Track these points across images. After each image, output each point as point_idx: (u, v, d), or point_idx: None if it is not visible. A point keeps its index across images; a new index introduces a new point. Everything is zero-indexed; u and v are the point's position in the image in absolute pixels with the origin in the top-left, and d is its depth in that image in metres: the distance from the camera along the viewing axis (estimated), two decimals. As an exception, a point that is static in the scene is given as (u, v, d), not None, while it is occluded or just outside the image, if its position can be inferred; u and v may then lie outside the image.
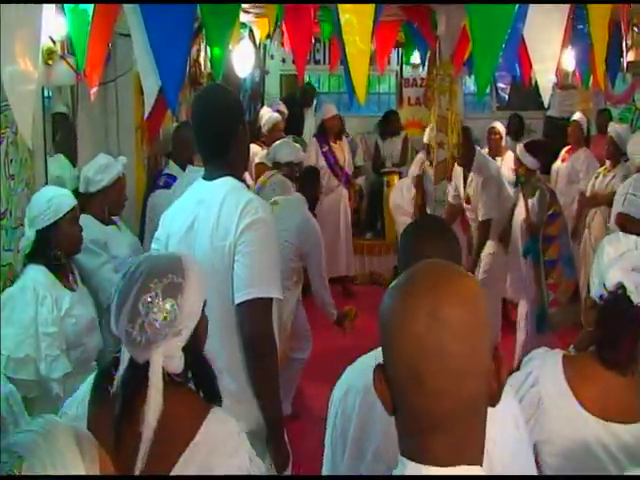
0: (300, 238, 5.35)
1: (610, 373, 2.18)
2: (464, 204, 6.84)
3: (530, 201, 6.20)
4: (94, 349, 3.69)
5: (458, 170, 6.78)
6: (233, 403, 2.87)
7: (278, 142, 6.50)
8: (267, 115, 8.13)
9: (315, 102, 10.41)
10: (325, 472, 2.25)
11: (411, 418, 1.28)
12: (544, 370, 2.30)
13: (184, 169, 5.22)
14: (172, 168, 5.36)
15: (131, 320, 1.95)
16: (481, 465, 1.30)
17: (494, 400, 1.30)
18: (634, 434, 2.17)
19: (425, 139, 7.76)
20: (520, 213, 6.33)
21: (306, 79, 10.12)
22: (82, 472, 1.34)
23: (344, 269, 8.72)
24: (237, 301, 2.82)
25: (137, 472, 1.88)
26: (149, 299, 1.94)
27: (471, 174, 6.68)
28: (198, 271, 2.08)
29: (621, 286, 2.15)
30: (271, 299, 2.87)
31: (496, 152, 8.11)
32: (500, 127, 8.33)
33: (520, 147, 6.43)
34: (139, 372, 1.95)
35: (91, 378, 2.13)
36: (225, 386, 2.86)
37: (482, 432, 1.31)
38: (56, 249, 3.54)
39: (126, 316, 1.95)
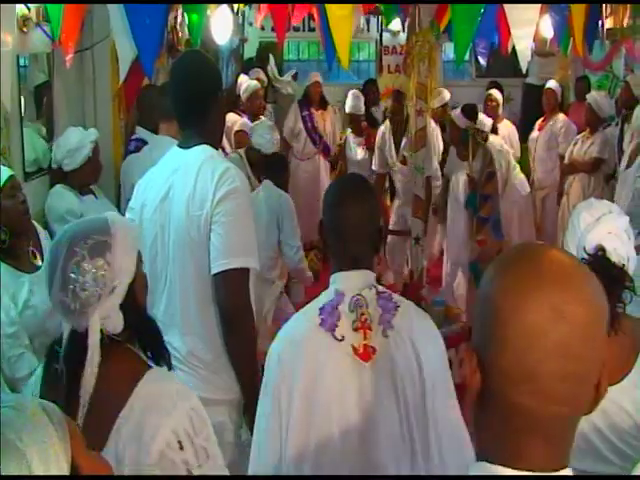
0: (272, 214, 5.26)
1: None
2: (399, 165, 7.11)
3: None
4: (59, 329, 3.58)
5: (387, 137, 7.18)
6: (210, 373, 2.90)
7: (259, 125, 6.36)
8: (246, 83, 8.08)
9: (296, 71, 10.35)
10: (261, 432, 2.29)
11: (509, 417, 1.17)
12: None
13: (155, 132, 5.05)
14: (141, 132, 5.14)
15: (63, 288, 1.93)
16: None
17: (590, 410, 1.21)
18: (609, 397, 2.20)
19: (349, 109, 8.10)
20: (462, 173, 6.49)
21: (285, 46, 10.06)
22: (52, 434, 1.35)
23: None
24: (214, 271, 2.82)
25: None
26: (76, 263, 1.93)
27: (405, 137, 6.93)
28: (126, 228, 2.07)
29: (600, 248, 2.23)
30: (248, 269, 2.87)
31: (492, 119, 8.10)
32: (497, 95, 8.33)
33: (456, 111, 6.66)
34: (80, 340, 1.94)
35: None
36: (201, 356, 2.90)
37: (572, 441, 1.21)
38: (0, 232, 3.26)
39: (58, 285, 1.94)
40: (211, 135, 3.00)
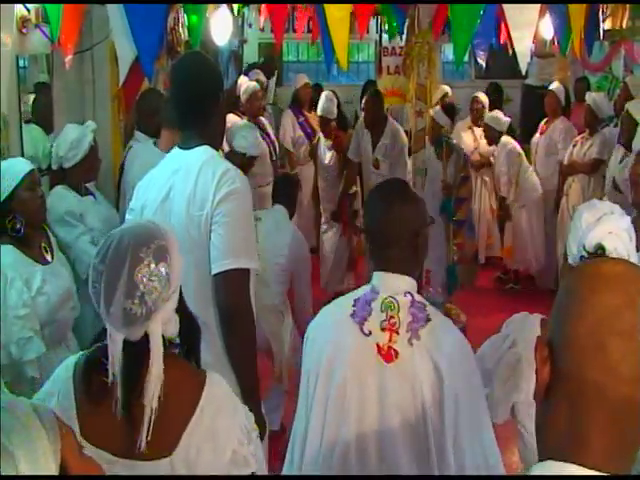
0: (290, 258, 4.98)
1: None
2: (372, 167, 7.05)
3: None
4: (69, 321, 3.64)
5: (366, 132, 7.10)
6: (209, 374, 2.90)
7: (238, 126, 6.29)
8: (245, 84, 8.09)
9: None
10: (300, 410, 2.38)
11: (578, 398, 1.19)
12: (522, 333, 2.37)
13: (155, 136, 4.93)
14: (139, 137, 4.99)
15: (130, 295, 1.89)
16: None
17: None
18: None
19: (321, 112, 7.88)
20: (437, 172, 6.50)
21: (284, 48, 10.06)
22: (43, 436, 1.36)
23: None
24: (214, 271, 2.82)
25: (143, 445, 1.87)
26: (144, 268, 1.91)
27: (382, 140, 6.97)
28: (172, 231, 2.10)
29: (600, 247, 2.24)
30: (248, 270, 2.87)
31: (477, 121, 8.17)
32: (483, 97, 8.40)
33: (437, 108, 6.70)
34: (137, 349, 1.91)
35: (69, 363, 2.07)
36: (201, 357, 2.90)
37: (634, 451, 1.22)
38: (17, 221, 3.39)
39: (123, 292, 1.89)
40: (212, 136, 3.00)
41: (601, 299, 1.19)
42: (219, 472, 1.95)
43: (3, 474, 1.29)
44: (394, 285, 2.28)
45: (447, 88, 8.19)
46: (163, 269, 1.94)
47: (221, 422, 1.97)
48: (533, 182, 7.76)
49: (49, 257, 3.59)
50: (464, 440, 2.17)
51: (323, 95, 7.99)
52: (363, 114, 7.44)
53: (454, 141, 6.91)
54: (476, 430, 2.19)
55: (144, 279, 1.91)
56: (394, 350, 2.21)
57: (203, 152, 2.92)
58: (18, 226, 3.40)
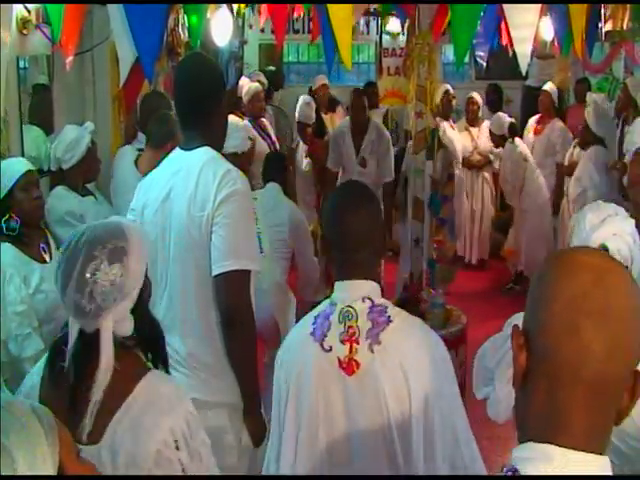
0: (291, 232, 5.02)
1: None
2: (359, 168, 6.89)
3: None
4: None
5: (347, 137, 6.95)
6: (210, 376, 2.90)
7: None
8: (247, 85, 8.08)
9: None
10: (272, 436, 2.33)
11: (553, 378, 1.23)
12: None
13: None
14: (142, 139, 4.96)
15: (79, 290, 1.97)
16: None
17: (621, 415, 1.27)
18: None
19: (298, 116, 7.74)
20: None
21: (285, 49, 10.05)
22: (42, 437, 1.36)
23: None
24: (215, 272, 2.81)
25: (85, 432, 1.93)
26: (95, 267, 1.97)
27: (366, 138, 6.87)
28: (139, 234, 2.12)
29: (604, 247, 2.25)
30: (249, 271, 2.87)
31: (473, 121, 8.20)
32: (478, 97, 8.43)
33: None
34: (89, 341, 1.99)
35: (52, 344, 2.16)
36: (201, 358, 2.90)
37: (609, 432, 1.27)
38: (12, 220, 3.42)
39: (74, 287, 1.98)
40: (213, 137, 3.00)
41: (571, 281, 1.22)
42: (140, 467, 1.95)
43: (1, 474, 1.29)
44: (352, 293, 2.21)
45: (448, 86, 8.17)
46: (116, 270, 1.98)
47: (148, 418, 1.97)
48: (539, 185, 7.73)
49: (47, 257, 3.61)
50: (436, 441, 2.11)
51: (300, 99, 7.91)
52: (348, 117, 7.30)
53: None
54: (449, 429, 2.13)
55: (94, 277, 1.97)
56: (355, 361, 2.14)
57: (204, 153, 2.92)
58: (13, 225, 3.42)
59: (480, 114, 8.43)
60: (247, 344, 2.92)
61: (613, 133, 6.91)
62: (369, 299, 2.20)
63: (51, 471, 1.37)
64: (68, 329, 2.05)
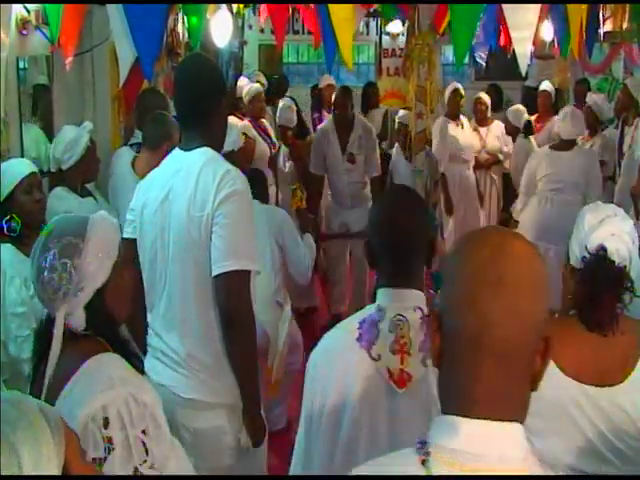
0: (273, 231, 4.92)
1: (589, 336, 2.26)
2: (347, 164, 6.77)
3: None
4: None
5: (331, 136, 6.81)
6: (209, 377, 2.89)
7: None
8: (248, 86, 8.07)
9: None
10: (301, 441, 2.20)
11: (460, 350, 1.28)
12: None
13: None
14: (138, 135, 4.97)
15: (36, 277, 2.04)
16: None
17: (536, 379, 1.29)
18: (609, 398, 2.23)
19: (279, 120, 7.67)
20: (407, 175, 6.63)
21: (285, 49, 10.05)
22: (48, 436, 1.36)
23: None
24: (215, 273, 2.81)
25: None
26: (47, 258, 2.02)
27: (353, 134, 6.76)
28: (104, 233, 2.13)
29: (602, 248, 2.25)
30: (249, 272, 2.87)
31: (482, 122, 8.16)
32: (486, 97, 8.35)
33: (401, 112, 6.98)
34: (48, 326, 2.05)
35: None
36: (201, 359, 2.90)
37: (524, 398, 1.29)
38: (13, 221, 3.41)
39: (33, 274, 2.05)
40: (213, 138, 2.99)
41: (471, 258, 1.29)
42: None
43: (4, 469, 1.29)
44: (402, 301, 2.10)
45: (457, 85, 8.06)
46: (66, 266, 2.01)
47: (84, 393, 1.96)
48: None
49: None
50: None
51: (281, 103, 7.72)
52: (330, 116, 7.18)
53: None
54: None
55: (45, 268, 2.02)
56: (407, 373, 2.04)
57: (204, 153, 2.92)
58: (14, 226, 3.42)
59: (488, 114, 8.38)
60: (247, 345, 2.91)
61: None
62: (420, 309, 2.10)
63: (55, 470, 1.37)
64: None
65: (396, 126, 7.55)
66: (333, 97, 7.11)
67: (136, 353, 2.18)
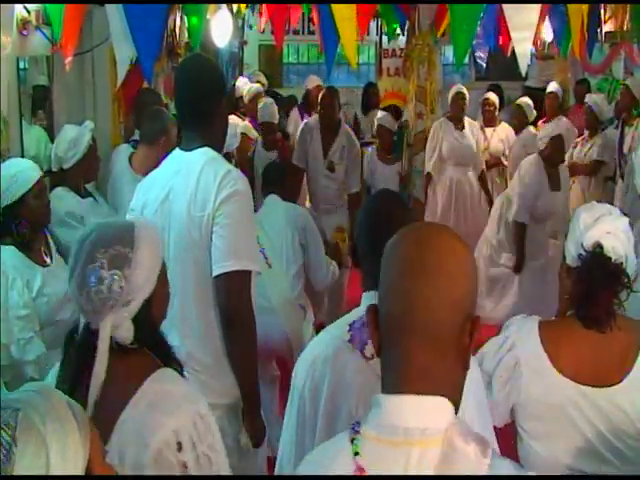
0: (299, 235, 4.78)
1: (587, 335, 2.26)
2: (326, 172, 6.61)
3: None
4: (69, 323, 3.65)
5: (315, 133, 6.67)
6: (209, 377, 2.89)
7: None
8: (248, 86, 8.07)
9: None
10: (286, 444, 2.20)
11: (390, 335, 1.36)
12: (521, 335, 2.36)
13: None
14: (138, 136, 4.95)
15: (80, 289, 1.93)
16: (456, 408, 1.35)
17: (465, 357, 1.36)
18: (607, 398, 2.24)
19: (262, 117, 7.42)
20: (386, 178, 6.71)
21: (285, 50, 10.05)
22: (75, 432, 1.36)
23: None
24: (215, 273, 2.81)
25: None
26: (95, 269, 1.92)
27: (336, 142, 6.62)
28: (152, 241, 2.04)
29: (598, 245, 2.25)
30: (250, 272, 2.87)
31: (489, 122, 8.12)
32: (494, 98, 8.27)
33: (380, 113, 7.14)
34: (91, 338, 1.93)
35: None
36: (200, 359, 2.90)
37: (454, 375, 1.37)
38: (22, 225, 3.41)
39: (75, 284, 1.94)
40: (213, 138, 2.99)
41: (398, 252, 1.39)
42: (142, 467, 1.88)
43: (34, 458, 1.30)
44: None
45: (461, 87, 7.99)
46: (115, 277, 1.92)
47: (150, 417, 1.90)
48: None
49: (48, 259, 3.60)
50: None
51: (262, 102, 7.47)
52: (317, 115, 6.95)
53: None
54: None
55: (92, 279, 1.92)
56: None
57: (204, 153, 2.92)
58: (24, 231, 3.43)
59: (496, 114, 8.33)
60: (247, 345, 2.90)
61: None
62: None
63: (81, 462, 1.37)
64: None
65: (375, 127, 7.51)
66: (319, 97, 6.92)
67: (178, 359, 2.08)
